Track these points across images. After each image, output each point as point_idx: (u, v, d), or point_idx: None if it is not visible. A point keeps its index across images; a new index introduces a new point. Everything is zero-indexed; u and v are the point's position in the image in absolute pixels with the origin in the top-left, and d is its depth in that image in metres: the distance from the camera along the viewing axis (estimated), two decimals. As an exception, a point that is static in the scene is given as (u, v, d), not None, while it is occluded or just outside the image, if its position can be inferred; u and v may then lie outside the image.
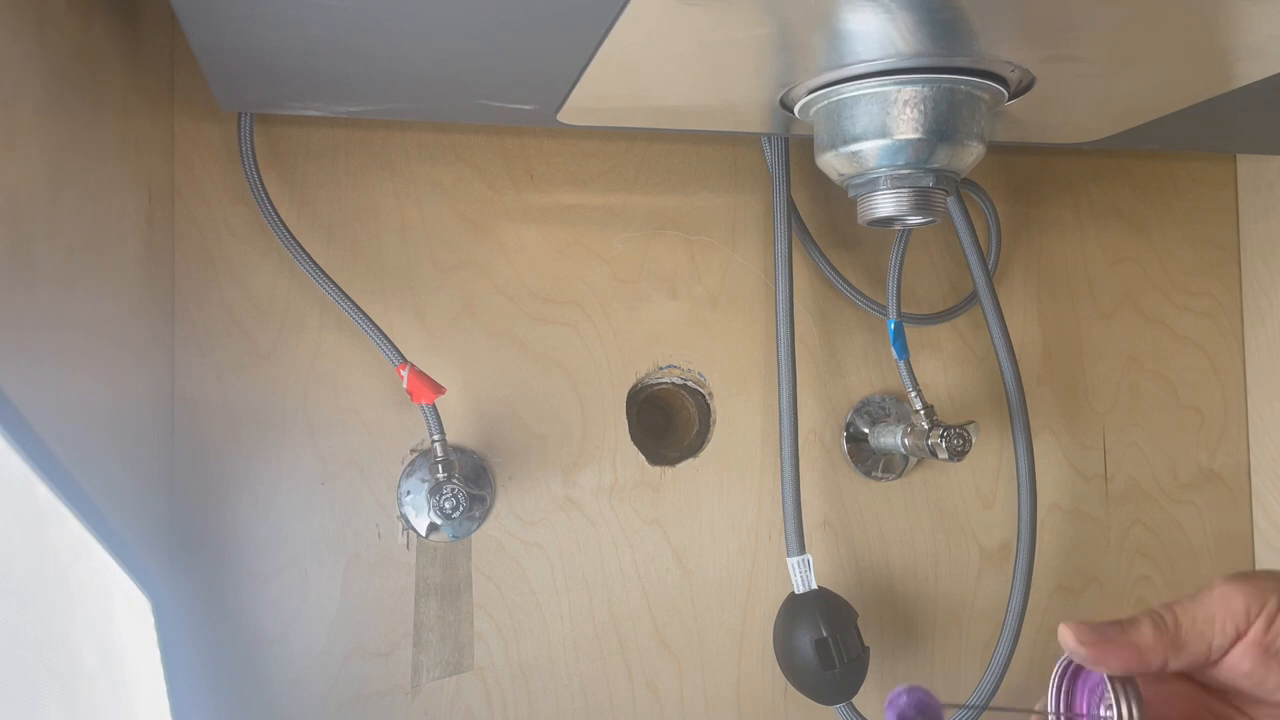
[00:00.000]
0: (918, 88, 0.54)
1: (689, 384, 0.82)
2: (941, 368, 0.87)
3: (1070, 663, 0.46)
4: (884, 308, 0.82)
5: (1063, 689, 0.46)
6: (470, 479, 0.75)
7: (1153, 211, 0.94)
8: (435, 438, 0.70)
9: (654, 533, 0.80)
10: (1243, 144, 0.84)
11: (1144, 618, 0.43)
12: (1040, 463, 0.85)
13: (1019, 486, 0.81)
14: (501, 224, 0.77)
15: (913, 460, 0.85)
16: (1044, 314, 0.90)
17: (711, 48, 0.51)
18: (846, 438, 0.84)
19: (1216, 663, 0.43)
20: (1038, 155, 0.91)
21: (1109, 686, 0.43)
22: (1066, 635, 0.43)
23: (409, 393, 0.69)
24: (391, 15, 0.48)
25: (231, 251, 0.72)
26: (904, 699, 0.46)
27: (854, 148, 0.56)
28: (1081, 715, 0.46)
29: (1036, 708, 0.47)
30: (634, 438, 0.80)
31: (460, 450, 0.75)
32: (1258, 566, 0.96)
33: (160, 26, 0.69)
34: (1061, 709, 0.46)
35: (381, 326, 0.70)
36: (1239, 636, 0.42)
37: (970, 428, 0.77)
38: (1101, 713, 0.44)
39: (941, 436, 0.76)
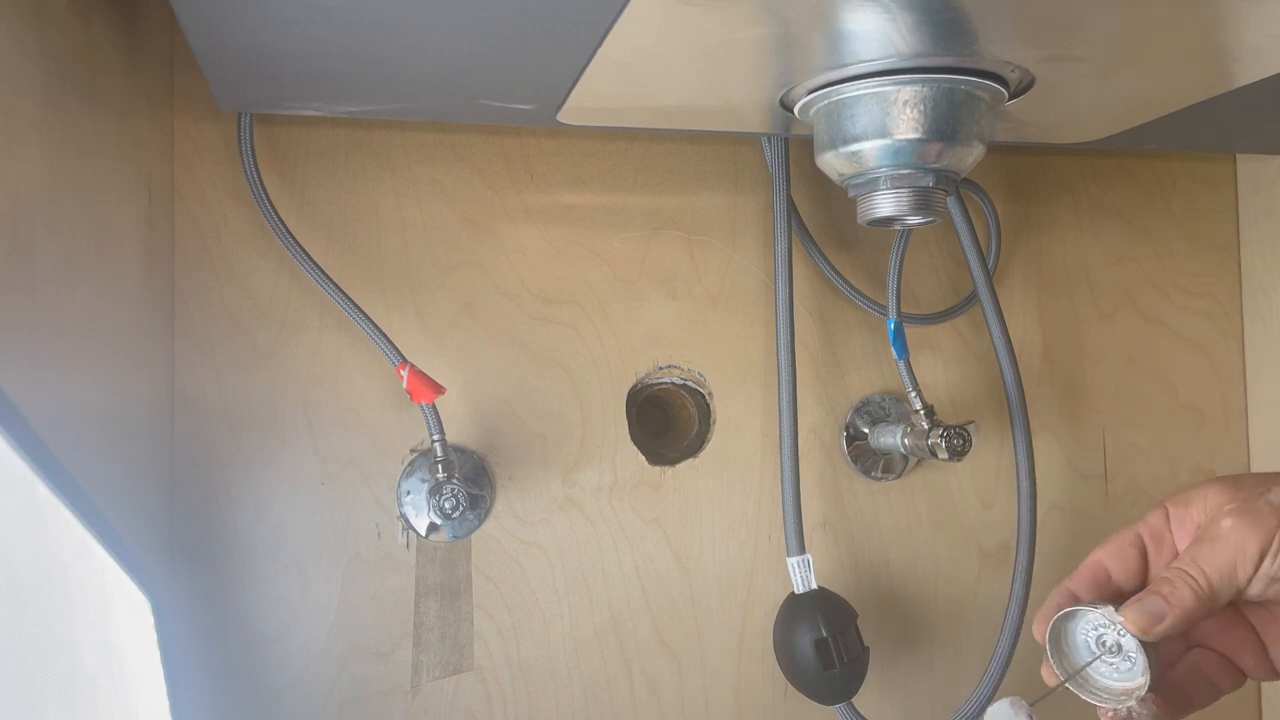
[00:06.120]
0: (918, 88, 0.54)
1: (689, 384, 0.82)
2: (941, 368, 0.87)
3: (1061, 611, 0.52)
4: (884, 308, 0.82)
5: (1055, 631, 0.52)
6: (470, 479, 0.75)
7: (1153, 211, 0.94)
8: (435, 438, 0.70)
9: (654, 533, 0.80)
10: (1243, 144, 0.84)
11: (1183, 587, 0.48)
12: (1040, 463, 0.85)
13: (1019, 486, 0.81)
14: (501, 224, 0.77)
15: (913, 460, 0.85)
16: (1044, 314, 0.90)
17: (711, 48, 0.51)
18: (846, 438, 0.84)
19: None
20: (1037, 155, 0.91)
21: (1142, 647, 0.49)
22: (1132, 627, 0.49)
23: (409, 393, 0.69)
24: (391, 16, 0.48)
25: (231, 251, 0.72)
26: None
27: (854, 148, 0.56)
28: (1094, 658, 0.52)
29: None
30: (634, 438, 0.80)
31: (460, 450, 0.75)
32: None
33: (160, 26, 0.69)
34: (1059, 647, 0.52)
35: (381, 326, 0.70)
36: (1254, 575, 0.48)
37: (970, 428, 0.77)
38: (1095, 650, 0.51)
39: (941, 436, 0.76)
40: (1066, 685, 0.51)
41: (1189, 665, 0.53)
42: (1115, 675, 0.51)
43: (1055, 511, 0.89)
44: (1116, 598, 0.52)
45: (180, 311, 0.71)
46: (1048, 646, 0.52)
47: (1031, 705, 0.50)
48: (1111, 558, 0.54)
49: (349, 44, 0.52)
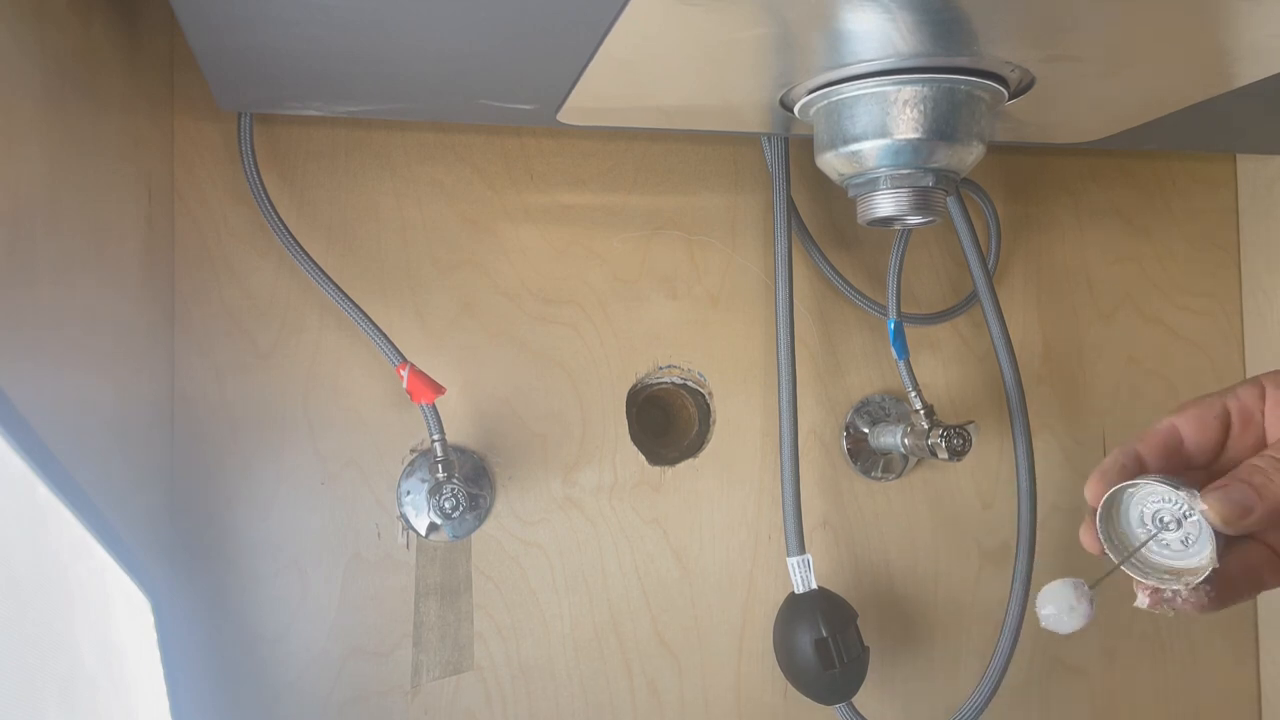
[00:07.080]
0: (918, 88, 0.54)
1: (689, 384, 0.82)
2: (941, 368, 0.87)
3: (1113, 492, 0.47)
4: (884, 308, 0.82)
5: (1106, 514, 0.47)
6: (470, 479, 0.75)
7: (1153, 211, 0.94)
8: (435, 438, 0.70)
9: (654, 533, 0.80)
10: (1243, 144, 0.84)
11: (1279, 479, 0.44)
12: (1040, 463, 0.85)
13: (1019, 486, 0.81)
14: (501, 224, 0.77)
15: (913, 460, 0.85)
16: (1044, 314, 0.90)
17: (711, 48, 0.51)
18: (846, 438, 0.84)
19: None
20: (1037, 155, 0.91)
21: (1205, 522, 0.44)
22: (1214, 518, 0.44)
23: (409, 393, 0.69)
24: (391, 16, 0.48)
25: (231, 251, 0.72)
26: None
27: (854, 148, 0.56)
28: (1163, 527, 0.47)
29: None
30: (634, 438, 0.80)
31: (460, 450, 0.75)
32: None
33: (160, 26, 0.69)
34: (1108, 513, 0.47)
35: (381, 326, 0.70)
36: None
37: (970, 428, 0.77)
38: (1156, 529, 0.46)
39: (941, 436, 0.76)
40: (1119, 565, 0.47)
41: (1238, 555, 0.47)
42: (1169, 554, 0.46)
43: (1055, 512, 0.89)
44: (1184, 469, 0.48)
45: (180, 311, 0.71)
46: (1099, 510, 0.47)
47: (1091, 589, 0.46)
48: (1189, 425, 0.48)
49: (349, 44, 0.52)
